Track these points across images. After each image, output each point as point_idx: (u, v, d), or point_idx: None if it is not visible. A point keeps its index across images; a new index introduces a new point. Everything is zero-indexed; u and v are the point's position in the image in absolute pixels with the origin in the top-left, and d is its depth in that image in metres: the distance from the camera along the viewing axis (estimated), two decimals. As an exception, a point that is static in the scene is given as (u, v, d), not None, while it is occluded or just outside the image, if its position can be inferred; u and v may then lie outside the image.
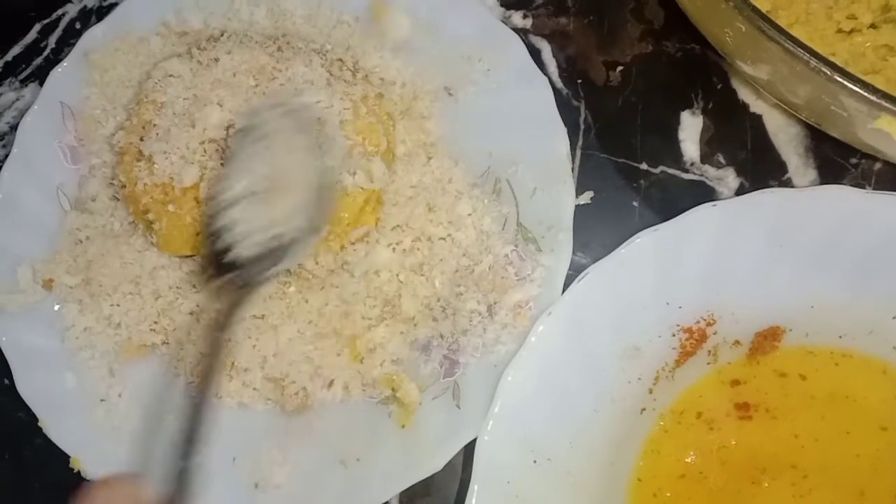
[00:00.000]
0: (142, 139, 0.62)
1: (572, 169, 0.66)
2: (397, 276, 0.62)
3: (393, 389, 0.61)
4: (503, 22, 0.67)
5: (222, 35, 0.66)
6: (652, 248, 0.58)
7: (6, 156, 0.68)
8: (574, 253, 0.65)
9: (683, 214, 0.58)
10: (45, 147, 0.68)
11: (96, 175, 0.68)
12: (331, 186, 0.57)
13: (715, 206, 0.58)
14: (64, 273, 0.65)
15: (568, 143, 0.63)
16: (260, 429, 0.63)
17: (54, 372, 0.64)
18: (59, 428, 0.63)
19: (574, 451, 0.57)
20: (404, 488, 0.59)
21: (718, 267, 0.58)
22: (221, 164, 0.59)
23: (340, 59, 0.65)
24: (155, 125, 0.62)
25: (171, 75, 0.63)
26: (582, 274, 0.58)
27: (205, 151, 0.61)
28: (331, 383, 0.62)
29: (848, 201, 0.57)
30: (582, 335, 0.58)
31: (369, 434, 0.61)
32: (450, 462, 0.60)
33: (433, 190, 0.64)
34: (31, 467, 0.66)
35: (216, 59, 0.63)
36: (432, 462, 0.59)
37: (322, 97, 0.61)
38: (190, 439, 0.50)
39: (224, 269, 0.55)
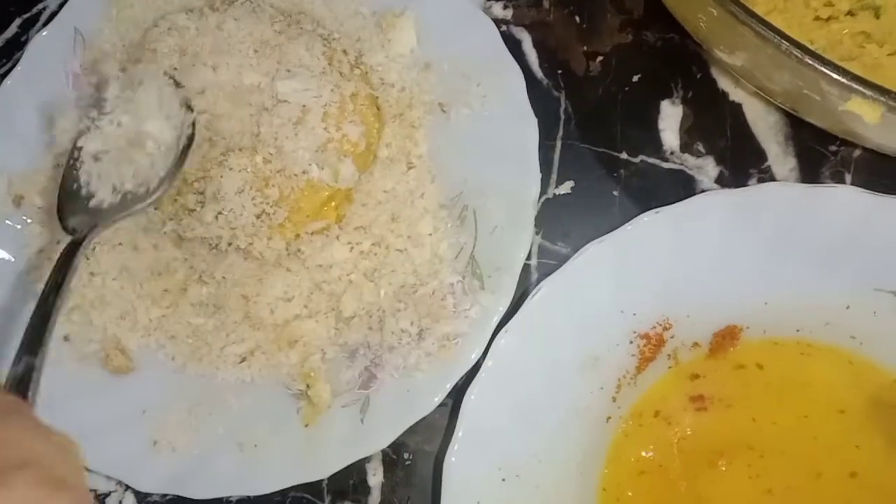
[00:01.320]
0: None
1: (553, 158, 0.67)
2: (348, 275, 0.62)
3: (307, 385, 0.61)
4: (484, 12, 0.67)
5: None
6: (600, 258, 0.58)
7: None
8: (554, 243, 0.66)
9: (628, 223, 0.58)
10: (51, 67, 0.69)
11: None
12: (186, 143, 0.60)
13: (658, 212, 0.58)
14: (36, 193, 0.67)
15: (539, 189, 0.62)
16: (177, 389, 0.63)
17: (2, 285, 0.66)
18: None
19: (542, 466, 0.57)
20: (292, 485, 0.60)
21: (668, 272, 0.59)
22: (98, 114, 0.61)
23: (344, 51, 0.65)
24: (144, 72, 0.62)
25: (175, 29, 0.63)
26: (535, 289, 0.58)
27: (189, 110, 0.61)
28: (243, 359, 0.62)
29: (789, 198, 0.58)
30: (540, 349, 0.58)
31: (273, 424, 0.61)
32: (419, 483, 0.62)
33: (403, 200, 0.63)
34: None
35: (221, 25, 0.63)
36: (325, 468, 0.59)
37: (312, 86, 0.61)
38: (33, 337, 0.52)
39: (80, 211, 0.59)
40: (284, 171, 0.60)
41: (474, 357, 0.59)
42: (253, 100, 0.61)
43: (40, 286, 0.65)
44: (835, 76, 0.44)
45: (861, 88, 0.43)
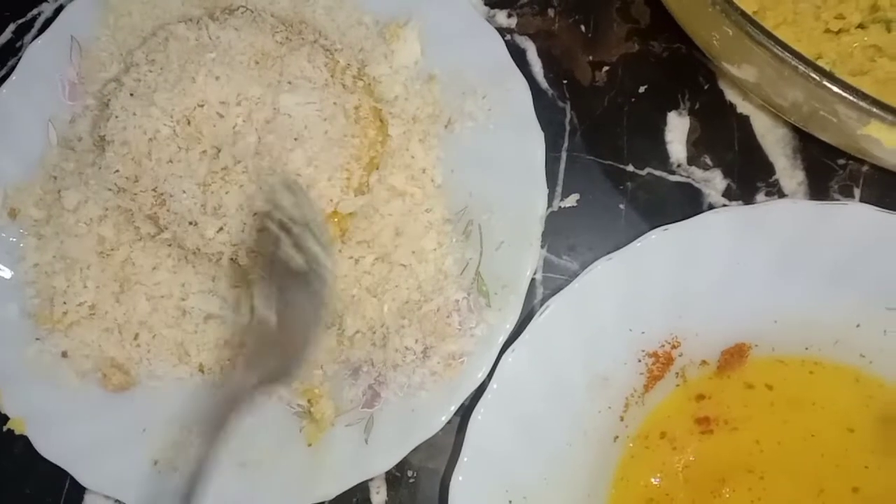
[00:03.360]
0: (132, 95, 0.61)
1: (558, 170, 0.66)
2: (351, 290, 0.61)
3: (309, 402, 0.60)
4: (487, 21, 0.65)
5: (238, 9, 0.65)
6: (609, 276, 0.57)
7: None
8: (560, 256, 0.65)
9: (636, 240, 0.57)
10: (47, 77, 0.69)
11: (87, 116, 0.68)
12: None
13: (667, 229, 0.58)
14: (31, 205, 0.66)
15: (546, 205, 0.61)
16: (178, 406, 0.62)
17: None
18: None
19: (549, 487, 0.56)
20: None
21: (677, 289, 0.58)
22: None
23: (349, 64, 0.64)
24: (142, 83, 0.61)
25: (174, 39, 0.62)
26: (542, 307, 0.57)
27: (188, 122, 0.60)
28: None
29: (799, 215, 0.57)
30: (548, 368, 0.57)
31: (276, 442, 0.60)
32: (423, 502, 0.61)
33: (408, 215, 0.62)
34: (11, 479, 0.65)
35: (221, 35, 0.62)
36: (328, 489, 0.59)
37: (313, 98, 0.60)
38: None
39: None
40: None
41: (480, 376, 0.58)
42: (254, 113, 0.60)
43: (36, 301, 0.64)
44: (856, 101, 0.43)
45: (882, 113, 0.43)
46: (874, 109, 0.43)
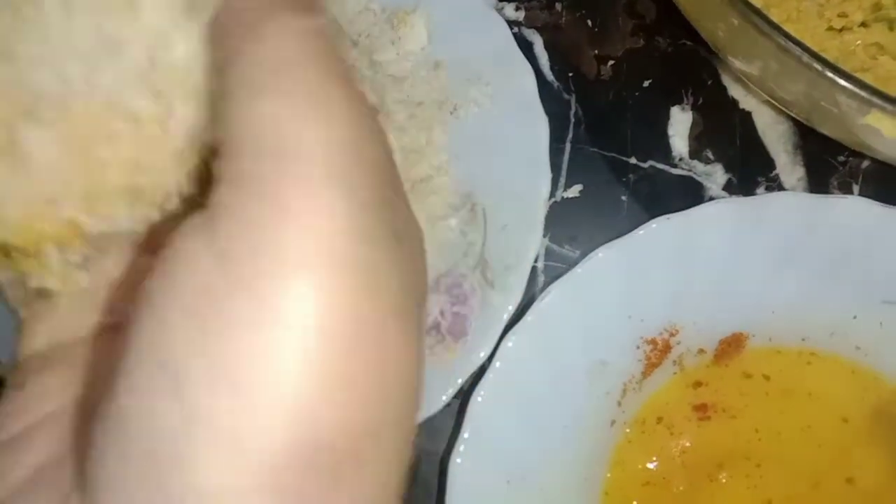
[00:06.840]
0: None
1: (562, 161, 0.67)
2: None
3: None
4: (497, 12, 0.66)
5: None
6: (610, 263, 0.58)
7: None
8: (561, 246, 0.66)
9: (638, 228, 0.58)
10: None
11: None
12: None
13: (668, 219, 0.58)
14: None
15: (549, 188, 0.62)
16: None
17: None
18: None
19: (548, 469, 0.57)
20: None
21: (677, 278, 0.59)
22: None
23: (354, 42, 0.65)
24: None
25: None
26: (544, 292, 0.58)
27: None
28: None
29: (799, 207, 0.58)
30: (548, 352, 0.58)
31: None
32: (422, 483, 0.61)
33: (411, 198, 0.63)
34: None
35: None
36: None
37: None
38: None
39: None
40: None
41: (483, 356, 0.58)
42: None
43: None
44: (856, 90, 0.44)
45: (882, 103, 0.44)
46: (875, 99, 0.44)
